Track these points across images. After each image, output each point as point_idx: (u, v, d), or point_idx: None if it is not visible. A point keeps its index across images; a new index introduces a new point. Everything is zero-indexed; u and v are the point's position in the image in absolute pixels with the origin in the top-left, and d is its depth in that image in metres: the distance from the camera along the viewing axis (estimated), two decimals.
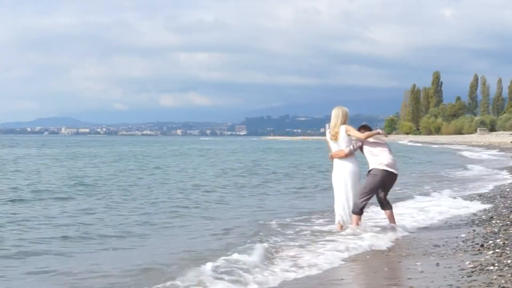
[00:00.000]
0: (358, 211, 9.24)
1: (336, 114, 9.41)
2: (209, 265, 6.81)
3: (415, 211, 12.05)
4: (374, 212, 10.97)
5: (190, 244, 8.89)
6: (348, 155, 9.26)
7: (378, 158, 9.27)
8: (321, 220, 10.90)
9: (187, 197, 15.30)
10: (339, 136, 9.31)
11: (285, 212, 12.36)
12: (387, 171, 9.21)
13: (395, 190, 16.14)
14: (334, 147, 9.40)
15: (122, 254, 8.32)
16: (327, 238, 8.98)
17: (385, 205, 9.50)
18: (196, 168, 28.85)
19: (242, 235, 9.45)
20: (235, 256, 7.34)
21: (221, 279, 6.44)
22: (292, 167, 30.14)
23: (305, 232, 9.56)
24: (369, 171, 9.31)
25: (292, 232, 9.73)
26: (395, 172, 9.34)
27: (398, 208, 11.54)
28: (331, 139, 9.43)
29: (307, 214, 11.89)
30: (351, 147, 9.28)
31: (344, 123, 9.37)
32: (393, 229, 9.37)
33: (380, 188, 9.33)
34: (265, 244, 8.23)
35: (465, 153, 46.44)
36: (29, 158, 38.75)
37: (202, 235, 9.73)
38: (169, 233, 10.01)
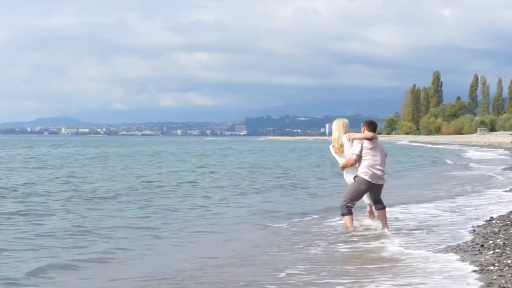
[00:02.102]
0: (347, 212, 9.29)
1: (337, 126, 9.49)
2: None
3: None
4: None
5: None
6: (357, 161, 9.21)
7: (365, 166, 9.15)
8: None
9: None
10: (344, 147, 9.31)
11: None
12: (370, 182, 9.18)
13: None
14: (340, 160, 9.39)
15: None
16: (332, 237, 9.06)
17: (377, 205, 9.47)
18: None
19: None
20: None
21: None
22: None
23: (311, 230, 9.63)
24: (355, 176, 9.26)
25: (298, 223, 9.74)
26: (378, 183, 9.26)
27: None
28: (336, 153, 9.41)
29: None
30: (357, 152, 9.18)
31: (345, 133, 9.41)
32: (384, 232, 9.34)
33: (368, 193, 9.36)
34: None
35: (469, 153, 46.41)
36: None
37: None
38: None
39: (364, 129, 9.41)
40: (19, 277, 6.77)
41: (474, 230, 9.35)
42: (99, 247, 8.53)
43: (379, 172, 9.23)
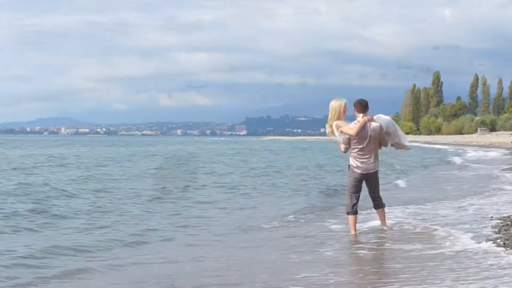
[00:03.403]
0: (352, 211, 9.05)
1: (330, 108, 8.84)
2: None
3: None
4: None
5: None
6: (346, 152, 9.00)
7: (353, 158, 8.94)
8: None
9: None
10: (335, 133, 8.85)
11: None
12: (360, 173, 8.96)
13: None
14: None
15: None
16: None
17: (374, 203, 9.27)
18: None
19: None
20: None
21: None
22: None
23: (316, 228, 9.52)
24: (349, 165, 9.11)
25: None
26: (369, 172, 8.98)
27: None
28: (329, 135, 9.02)
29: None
30: (345, 145, 8.87)
31: (339, 117, 8.82)
32: (383, 231, 9.22)
33: (365, 183, 9.11)
34: None
35: (471, 153, 46.25)
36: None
37: None
38: None
39: (354, 110, 8.97)
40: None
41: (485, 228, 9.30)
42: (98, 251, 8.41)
43: (368, 162, 8.91)
